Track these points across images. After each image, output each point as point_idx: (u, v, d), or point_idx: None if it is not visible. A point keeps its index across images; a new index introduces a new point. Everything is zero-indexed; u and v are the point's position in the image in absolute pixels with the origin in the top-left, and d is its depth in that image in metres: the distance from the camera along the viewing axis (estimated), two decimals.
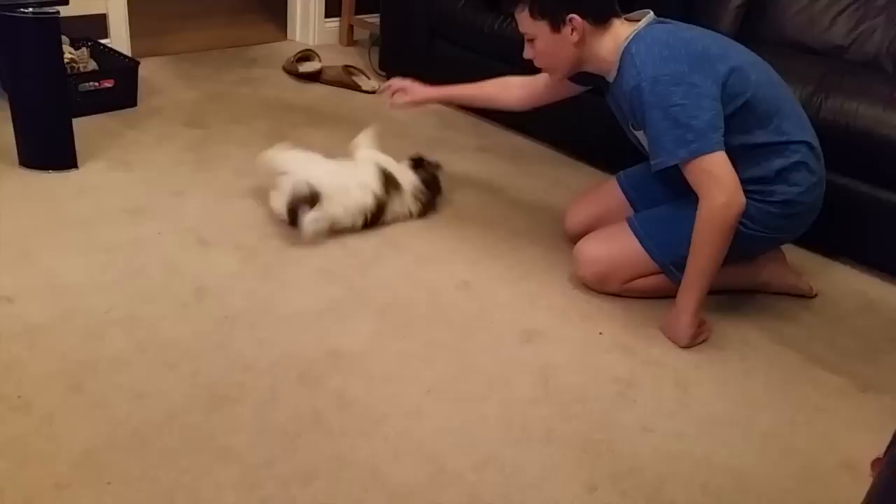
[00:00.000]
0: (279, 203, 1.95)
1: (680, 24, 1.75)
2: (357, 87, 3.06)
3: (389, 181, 2.04)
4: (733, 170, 1.62)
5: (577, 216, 2.04)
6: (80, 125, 2.24)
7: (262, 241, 1.94)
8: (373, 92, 3.04)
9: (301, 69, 3.11)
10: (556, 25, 1.72)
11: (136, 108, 2.63)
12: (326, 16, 3.59)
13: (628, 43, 1.69)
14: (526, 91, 2.06)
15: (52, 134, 2.14)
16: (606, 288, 1.85)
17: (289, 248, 1.92)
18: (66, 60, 2.34)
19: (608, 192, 2.04)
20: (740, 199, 1.62)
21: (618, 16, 1.74)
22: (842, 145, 1.99)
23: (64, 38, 2.32)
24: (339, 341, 1.61)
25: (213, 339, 1.57)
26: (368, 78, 3.10)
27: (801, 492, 1.38)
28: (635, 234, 1.81)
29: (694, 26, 1.75)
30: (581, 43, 1.73)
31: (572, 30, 1.71)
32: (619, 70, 1.73)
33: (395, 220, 2.09)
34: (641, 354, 1.68)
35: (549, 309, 1.80)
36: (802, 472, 1.42)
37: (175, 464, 1.27)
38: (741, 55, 1.72)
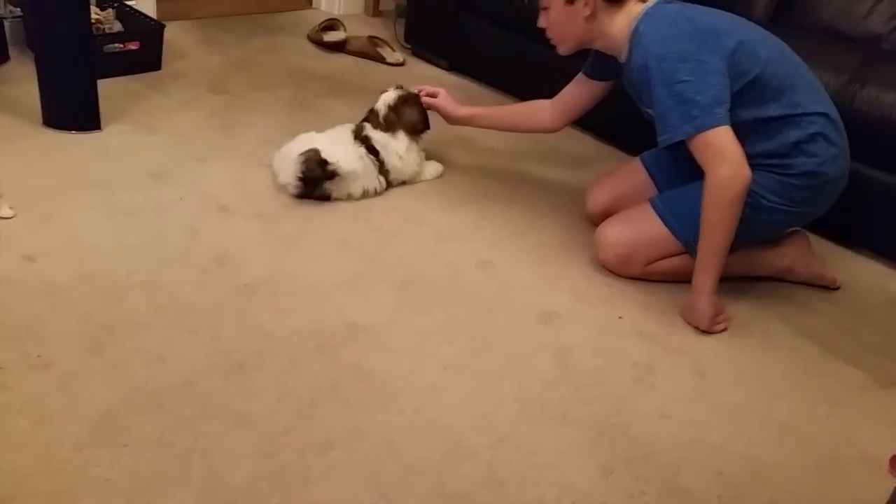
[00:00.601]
0: (286, 175, 1.96)
1: (688, 3, 1.73)
2: (381, 59, 3.03)
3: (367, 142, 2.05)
4: (738, 143, 1.62)
5: (598, 197, 2.02)
6: (104, 87, 2.23)
7: (283, 210, 1.94)
8: (397, 64, 3.01)
9: (326, 38, 3.08)
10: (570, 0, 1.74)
11: (160, 71, 2.61)
12: None
13: (637, 22, 1.68)
14: (556, 108, 2.05)
15: (76, 94, 2.13)
16: (629, 271, 1.83)
17: (310, 219, 1.92)
18: (91, 21, 2.33)
19: (631, 173, 2.01)
20: (745, 171, 1.61)
21: None
22: (875, 137, 1.95)
23: None
24: (358, 314, 1.61)
25: (233, 306, 1.57)
26: (393, 50, 3.07)
27: (818, 484, 1.37)
28: (657, 212, 1.80)
29: (702, 6, 1.73)
30: (592, 17, 1.74)
31: (585, 3, 1.72)
32: (629, 50, 1.72)
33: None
34: (661, 340, 1.66)
35: (568, 291, 1.79)
36: (820, 464, 1.41)
37: (192, 428, 1.28)
38: (750, 32, 1.71)
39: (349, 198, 2.02)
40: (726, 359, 1.64)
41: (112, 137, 2.15)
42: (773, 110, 1.68)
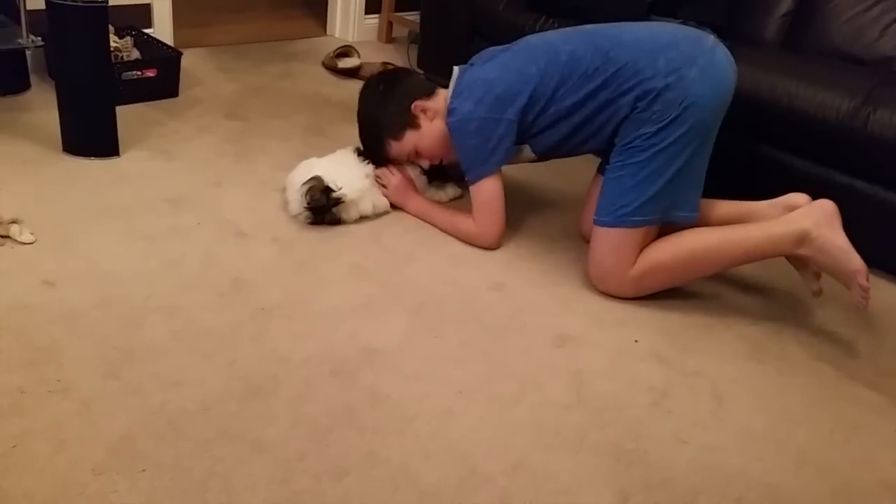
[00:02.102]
0: (295, 206, 1.98)
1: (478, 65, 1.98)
2: None
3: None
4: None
5: (587, 222, 2.03)
6: (123, 113, 2.27)
7: (298, 234, 1.95)
8: None
9: (340, 65, 3.12)
10: (414, 125, 2.00)
11: (177, 98, 2.65)
12: (366, 12, 3.59)
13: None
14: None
15: (95, 121, 2.17)
16: (624, 286, 1.83)
17: (324, 243, 1.93)
18: (110, 49, 2.37)
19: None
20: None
21: (437, 84, 2.05)
22: (889, 158, 1.95)
23: (109, 26, 2.35)
24: (373, 338, 1.61)
25: (249, 330, 1.58)
26: None
27: None
28: (596, 224, 1.84)
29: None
30: (435, 115, 1.99)
31: (423, 112, 1.99)
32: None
33: None
34: (677, 364, 1.66)
35: (583, 314, 1.79)
36: (839, 490, 1.39)
37: (209, 453, 1.28)
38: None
39: (361, 218, 2.03)
40: (743, 383, 1.63)
41: (130, 163, 2.18)
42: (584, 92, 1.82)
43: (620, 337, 1.72)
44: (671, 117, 1.73)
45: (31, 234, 1.75)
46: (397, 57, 3.35)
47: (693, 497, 1.33)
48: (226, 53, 3.15)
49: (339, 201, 1.96)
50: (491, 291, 1.83)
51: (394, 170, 2.10)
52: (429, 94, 2.01)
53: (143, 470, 1.23)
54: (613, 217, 1.81)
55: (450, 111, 1.94)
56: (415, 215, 2.10)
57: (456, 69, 2.01)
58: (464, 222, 2.00)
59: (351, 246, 1.94)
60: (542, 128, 1.90)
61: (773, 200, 1.89)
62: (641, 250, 1.81)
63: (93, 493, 1.18)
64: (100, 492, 1.18)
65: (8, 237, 1.73)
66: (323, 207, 1.95)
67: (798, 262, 1.82)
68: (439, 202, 2.17)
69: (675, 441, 1.45)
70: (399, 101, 1.99)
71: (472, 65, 2.01)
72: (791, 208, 1.84)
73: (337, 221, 2.00)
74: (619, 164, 1.81)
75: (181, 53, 2.70)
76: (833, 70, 2.20)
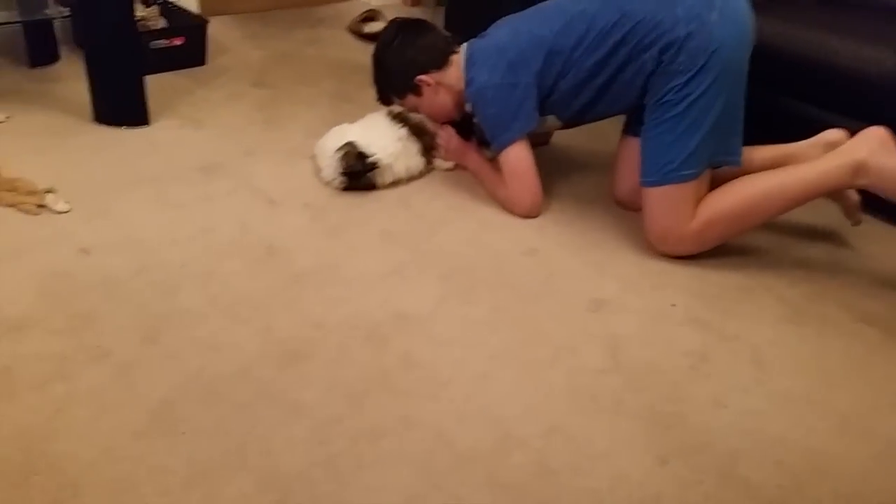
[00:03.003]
0: (329, 172, 1.96)
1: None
2: None
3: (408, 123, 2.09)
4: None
5: (621, 185, 2.01)
6: (151, 83, 2.27)
7: (328, 201, 1.95)
8: None
9: (366, 29, 3.08)
10: (417, 92, 2.00)
11: (204, 66, 2.65)
12: None
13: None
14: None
15: (125, 91, 2.18)
16: (686, 240, 1.80)
17: (354, 210, 1.92)
18: (137, 18, 2.37)
19: (632, 150, 1.95)
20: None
21: (453, 51, 2.00)
22: None
23: None
24: (405, 304, 1.61)
25: (284, 295, 1.59)
26: None
27: (882, 475, 1.32)
28: (645, 186, 1.80)
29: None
30: (441, 88, 1.99)
31: (427, 85, 1.98)
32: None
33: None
34: (716, 328, 1.63)
35: (618, 278, 1.76)
36: (883, 454, 1.36)
37: (247, 416, 1.29)
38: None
39: (395, 182, 2.02)
40: (784, 346, 1.60)
41: (161, 132, 2.18)
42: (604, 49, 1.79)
43: (657, 301, 1.70)
44: (700, 65, 1.69)
45: (66, 203, 1.77)
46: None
47: (732, 461, 1.32)
48: (252, 20, 3.13)
49: (373, 166, 1.94)
50: (523, 256, 1.82)
51: (449, 129, 2.10)
52: (440, 65, 1.98)
53: (183, 433, 1.25)
54: (660, 175, 1.77)
55: (467, 82, 1.92)
56: (471, 171, 2.11)
57: (464, 45, 1.99)
58: (501, 188, 1.98)
59: (381, 211, 1.93)
60: (565, 93, 1.87)
61: (811, 140, 1.88)
62: (697, 204, 1.78)
63: (134, 457, 1.20)
64: (141, 455, 1.20)
65: (44, 206, 1.75)
66: (358, 173, 1.94)
67: (839, 195, 1.82)
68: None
69: (713, 405, 1.43)
70: (406, 69, 1.98)
71: (483, 36, 1.97)
72: (831, 145, 1.81)
73: (371, 186, 1.99)
74: (655, 121, 1.77)
75: (208, 21, 2.69)
76: (876, 23, 2.12)
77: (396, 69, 1.99)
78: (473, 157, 2.09)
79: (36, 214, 1.73)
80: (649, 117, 1.79)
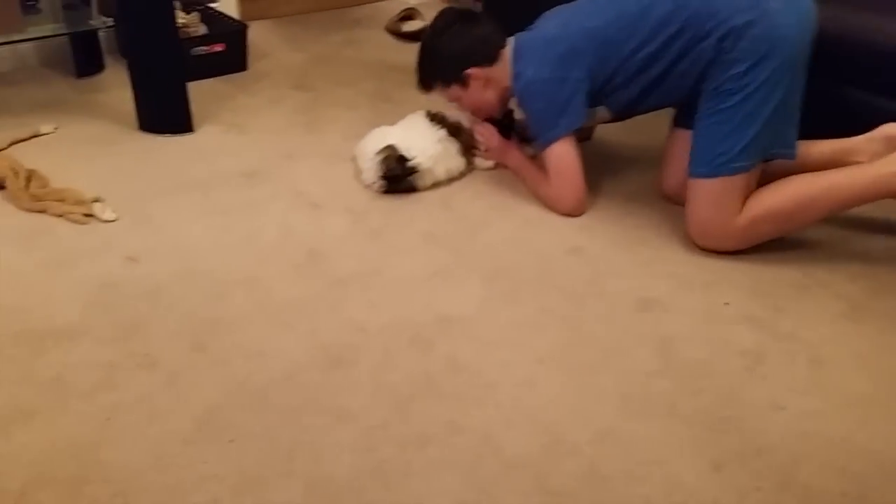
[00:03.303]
0: (370, 175, 1.95)
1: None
2: None
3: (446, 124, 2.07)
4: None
5: (669, 180, 1.95)
6: (194, 89, 2.29)
7: (369, 203, 1.94)
8: None
9: (404, 28, 3.07)
10: (464, 84, 1.94)
11: (246, 71, 2.67)
12: None
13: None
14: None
15: (168, 98, 2.20)
16: (730, 237, 1.75)
17: (396, 212, 1.91)
18: (178, 25, 2.39)
19: (683, 142, 1.90)
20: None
21: (503, 45, 1.93)
22: None
23: (175, 2, 2.37)
24: (448, 306, 1.59)
25: (328, 300, 1.59)
26: None
27: None
28: (693, 177, 1.75)
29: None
30: (489, 83, 1.94)
31: (475, 79, 1.93)
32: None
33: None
34: (771, 326, 1.57)
35: (667, 276, 1.72)
36: None
37: (295, 422, 1.29)
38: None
39: (435, 184, 2.00)
40: (843, 345, 1.54)
41: (205, 138, 2.20)
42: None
43: (709, 299, 1.65)
44: (761, 54, 1.63)
45: (113, 211, 1.79)
46: None
47: (793, 466, 1.27)
48: (291, 24, 3.15)
49: (414, 170, 1.93)
50: (568, 255, 1.78)
51: (489, 127, 2.08)
52: (491, 59, 1.93)
53: (232, 440, 1.25)
54: (712, 166, 1.72)
55: (514, 76, 1.88)
56: (512, 170, 2.07)
57: (511, 38, 1.94)
58: (544, 186, 1.95)
59: (423, 213, 1.91)
60: (617, 85, 1.82)
61: (870, 134, 1.80)
62: (744, 199, 1.73)
63: (183, 464, 1.20)
64: (190, 462, 1.21)
65: (91, 215, 1.78)
66: (398, 177, 1.93)
67: None
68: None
69: (771, 407, 1.38)
70: (457, 60, 1.93)
71: (531, 29, 1.93)
72: (890, 139, 1.75)
73: (412, 189, 1.97)
74: (710, 110, 1.72)
75: (247, 26, 2.70)
76: None
77: (447, 58, 1.95)
78: (514, 155, 2.06)
79: (84, 224, 1.76)
80: (704, 105, 1.73)
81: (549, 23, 1.90)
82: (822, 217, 1.78)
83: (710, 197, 1.74)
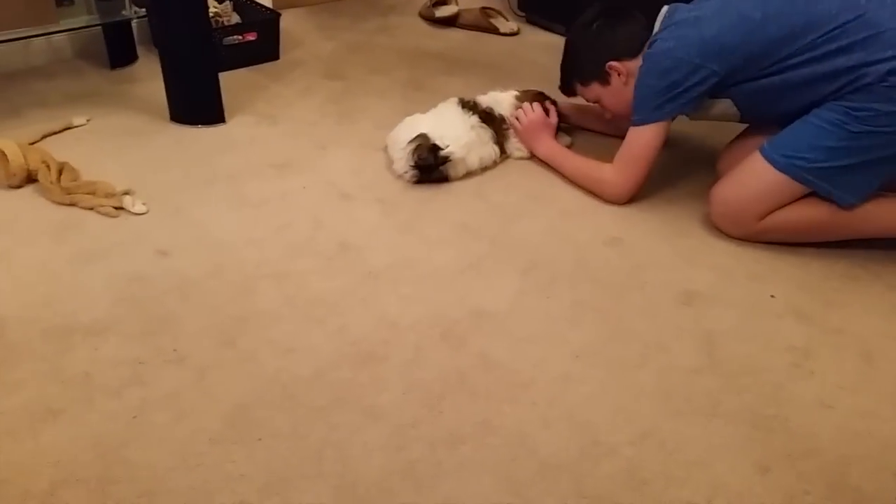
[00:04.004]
0: (401, 165, 1.92)
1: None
2: (495, 30, 2.94)
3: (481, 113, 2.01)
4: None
5: (724, 162, 1.87)
6: (226, 79, 2.27)
7: (402, 194, 1.90)
8: (511, 34, 2.91)
9: (437, 14, 3.02)
10: (604, 80, 1.85)
11: (278, 60, 2.64)
12: None
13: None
14: None
15: (200, 89, 2.18)
16: (742, 229, 1.70)
17: (428, 202, 1.87)
18: (210, 14, 2.38)
19: (758, 133, 1.84)
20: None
21: (647, 38, 1.78)
22: None
23: None
24: (482, 300, 1.55)
25: (359, 294, 1.55)
26: (507, 19, 2.97)
27: None
28: (762, 153, 1.66)
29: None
30: (631, 78, 1.80)
31: (618, 74, 1.82)
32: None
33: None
34: (819, 321, 1.50)
35: (711, 268, 1.65)
36: None
37: (324, 421, 1.26)
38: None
39: (468, 173, 1.96)
40: (895, 339, 1.46)
41: (237, 129, 2.18)
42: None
43: (754, 292, 1.58)
44: None
45: (144, 204, 1.78)
46: (496, 0, 3.20)
47: (843, 468, 1.20)
48: (323, 11, 3.11)
49: (446, 159, 1.88)
50: (606, 247, 1.72)
51: (535, 106, 2.01)
52: (634, 53, 1.80)
53: (260, 439, 1.23)
54: (787, 161, 1.62)
55: (652, 41, 1.75)
56: (542, 158, 2.00)
57: (665, 8, 1.78)
58: (598, 170, 1.86)
59: (456, 204, 1.87)
60: (754, 88, 1.67)
61: None
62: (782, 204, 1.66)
63: (210, 463, 1.18)
64: (217, 462, 1.19)
65: (122, 208, 1.77)
66: (430, 166, 1.88)
67: None
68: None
69: (819, 406, 1.31)
70: (598, 53, 1.83)
71: (690, 1, 1.77)
72: None
73: (444, 179, 1.93)
74: (829, 118, 1.59)
75: (280, 14, 2.68)
76: None
77: (589, 52, 1.85)
78: (547, 143, 2.00)
79: (114, 217, 1.75)
80: (826, 108, 1.60)
81: (707, 2, 1.72)
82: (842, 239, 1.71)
83: (760, 183, 1.66)
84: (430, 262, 1.66)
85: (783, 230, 1.69)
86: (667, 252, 1.71)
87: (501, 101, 2.06)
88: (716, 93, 1.71)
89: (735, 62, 1.64)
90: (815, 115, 1.61)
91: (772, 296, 1.57)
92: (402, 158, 1.91)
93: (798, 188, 1.63)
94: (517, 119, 2.02)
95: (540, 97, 2.08)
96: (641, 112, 1.76)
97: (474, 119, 1.97)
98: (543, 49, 2.77)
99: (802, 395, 1.34)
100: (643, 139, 1.77)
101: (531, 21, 3.02)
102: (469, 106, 2.00)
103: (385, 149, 2.04)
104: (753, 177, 1.67)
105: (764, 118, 1.77)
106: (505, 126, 2.03)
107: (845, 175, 1.60)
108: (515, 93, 2.09)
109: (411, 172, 1.90)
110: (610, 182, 1.84)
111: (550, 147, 2.00)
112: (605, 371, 1.38)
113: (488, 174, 2.00)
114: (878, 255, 1.69)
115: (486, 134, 1.97)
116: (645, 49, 1.77)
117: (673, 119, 1.78)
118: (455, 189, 1.93)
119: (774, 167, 1.63)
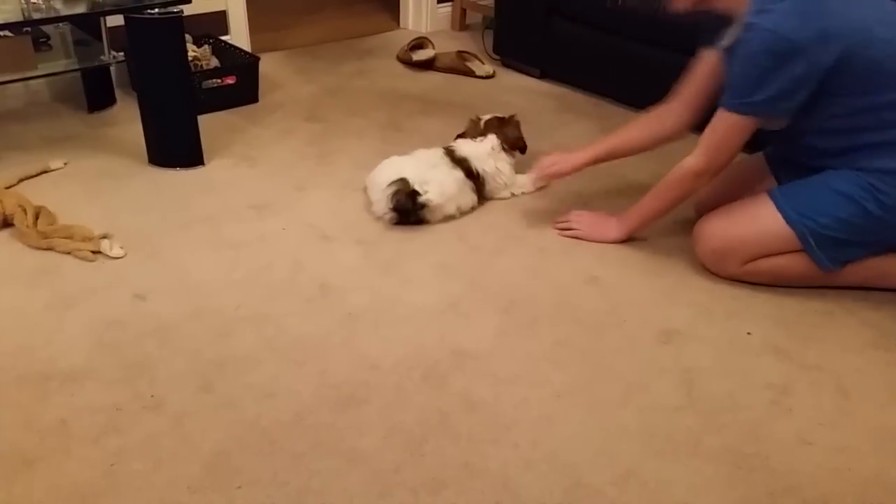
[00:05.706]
0: (380, 207, 1.93)
1: None
2: (471, 73, 2.99)
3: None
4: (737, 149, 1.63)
5: (707, 190, 1.83)
6: (205, 122, 2.28)
7: (381, 235, 1.91)
8: (487, 77, 2.96)
9: (415, 57, 3.06)
10: None
11: (257, 103, 2.66)
12: (439, 1, 3.52)
13: None
14: (677, 106, 1.82)
15: (179, 132, 2.19)
16: (725, 268, 1.71)
17: (408, 243, 1.88)
18: (189, 58, 2.39)
19: (748, 165, 1.86)
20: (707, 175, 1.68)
21: None
22: None
23: (187, 35, 2.37)
24: (463, 340, 1.55)
25: (339, 336, 1.55)
26: (482, 62, 3.02)
27: None
28: (773, 199, 1.65)
29: None
30: None
31: None
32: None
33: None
34: (797, 357, 1.52)
35: (689, 305, 1.67)
36: None
37: (305, 466, 1.25)
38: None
39: (446, 219, 1.97)
40: (872, 376, 1.48)
41: (215, 172, 2.19)
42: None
43: (731, 329, 1.59)
44: None
45: (121, 248, 1.77)
46: (472, 44, 3.26)
47: None
48: (302, 55, 3.15)
49: (424, 206, 1.90)
50: (585, 285, 1.74)
51: (580, 213, 1.95)
52: None
53: (239, 487, 1.21)
54: (799, 218, 1.61)
55: (755, 10, 1.49)
56: (632, 232, 1.87)
57: None
58: (678, 170, 1.71)
59: (436, 244, 1.88)
60: (839, 91, 1.52)
61: None
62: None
63: None
64: None
65: (99, 252, 1.76)
66: (408, 211, 1.90)
67: None
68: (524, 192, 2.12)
69: (799, 443, 1.32)
70: None
71: None
72: None
73: (421, 222, 1.94)
74: (853, 187, 1.57)
75: (259, 58, 2.70)
76: None
77: None
78: (617, 224, 1.88)
79: (92, 261, 1.74)
80: (857, 175, 1.57)
81: None
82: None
83: (759, 228, 1.66)
84: (410, 303, 1.66)
85: (765, 275, 1.70)
86: (645, 290, 1.72)
87: (480, 153, 2.05)
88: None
89: (843, 61, 1.48)
90: (839, 180, 1.59)
91: (748, 332, 1.59)
92: (381, 201, 1.92)
93: (795, 244, 1.63)
94: (578, 229, 1.92)
95: (497, 120, 2.13)
96: (732, 98, 1.56)
97: (459, 174, 1.97)
98: (518, 91, 2.82)
99: (782, 432, 1.35)
100: (730, 131, 1.60)
101: (506, 64, 3.07)
102: (454, 158, 2.01)
103: (364, 190, 2.05)
104: (755, 220, 1.67)
105: (796, 153, 1.71)
106: (481, 180, 2.04)
107: (840, 247, 1.62)
108: (487, 138, 2.09)
109: (390, 215, 1.91)
110: (699, 169, 1.67)
111: (626, 221, 1.88)
112: (586, 411, 1.38)
113: (468, 215, 2.01)
114: (852, 291, 1.72)
115: (467, 185, 1.99)
116: None
117: (762, 112, 1.57)
118: (435, 230, 1.94)
119: (785, 220, 1.62)
